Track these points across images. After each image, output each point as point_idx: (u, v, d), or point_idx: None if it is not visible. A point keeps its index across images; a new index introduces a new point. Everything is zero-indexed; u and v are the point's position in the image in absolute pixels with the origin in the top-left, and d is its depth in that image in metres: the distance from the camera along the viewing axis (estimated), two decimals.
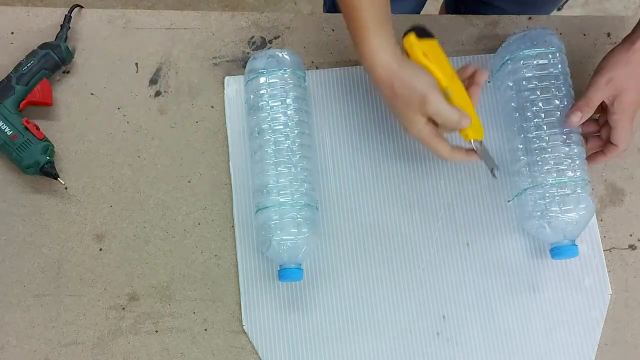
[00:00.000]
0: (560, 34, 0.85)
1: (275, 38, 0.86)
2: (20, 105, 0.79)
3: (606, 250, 0.79)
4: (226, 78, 0.84)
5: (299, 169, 0.75)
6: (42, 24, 0.85)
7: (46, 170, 0.78)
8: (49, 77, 0.82)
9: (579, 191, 0.73)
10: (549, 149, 0.75)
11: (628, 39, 0.73)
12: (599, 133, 0.78)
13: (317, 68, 0.85)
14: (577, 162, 0.75)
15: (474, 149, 0.73)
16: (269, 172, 0.75)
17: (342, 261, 0.78)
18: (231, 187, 0.80)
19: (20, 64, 0.80)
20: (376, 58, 0.68)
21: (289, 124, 0.76)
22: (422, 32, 0.71)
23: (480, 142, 0.73)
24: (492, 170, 0.73)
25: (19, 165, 0.78)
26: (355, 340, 0.76)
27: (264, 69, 0.77)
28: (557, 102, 0.76)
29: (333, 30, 0.86)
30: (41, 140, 0.78)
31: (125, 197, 0.80)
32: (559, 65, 0.77)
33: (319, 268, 0.78)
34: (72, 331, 0.77)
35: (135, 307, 0.77)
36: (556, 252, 0.75)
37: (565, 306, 0.77)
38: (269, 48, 0.85)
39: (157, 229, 0.80)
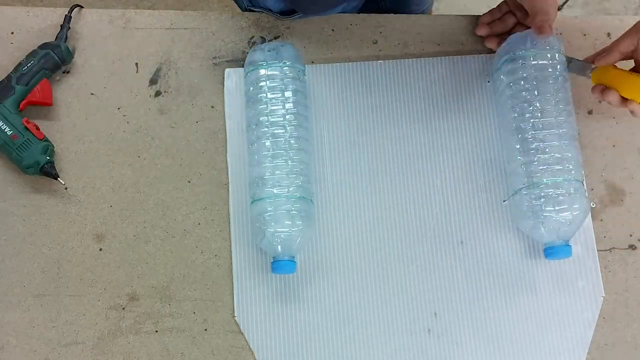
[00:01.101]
0: (560, 34, 0.85)
1: (275, 38, 0.86)
2: (20, 105, 0.79)
3: (606, 250, 0.79)
4: (226, 70, 0.84)
5: (295, 161, 0.75)
6: (42, 24, 0.85)
7: (46, 170, 0.78)
8: (49, 77, 0.82)
9: (572, 192, 0.73)
10: (546, 149, 0.75)
11: None
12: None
13: None
14: (572, 163, 0.75)
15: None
16: (265, 163, 0.75)
17: (336, 256, 0.78)
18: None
19: (20, 64, 0.80)
20: None
21: (287, 116, 0.76)
22: None
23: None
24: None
25: (19, 165, 0.78)
26: (344, 333, 0.76)
27: (263, 61, 0.77)
28: (554, 102, 0.76)
29: (333, 30, 0.86)
30: (41, 140, 0.78)
31: (125, 197, 0.80)
32: (558, 66, 0.77)
33: (313, 262, 0.78)
34: (72, 331, 0.77)
35: (135, 307, 0.77)
36: (550, 252, 0.75)
37: (557, 307, 0.77)
38: None
39: (157, 229, 0.80)
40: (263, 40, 0.85)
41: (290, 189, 0.74)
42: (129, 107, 0.83)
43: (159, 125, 0.83)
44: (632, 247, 0.80)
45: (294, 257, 0.75)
